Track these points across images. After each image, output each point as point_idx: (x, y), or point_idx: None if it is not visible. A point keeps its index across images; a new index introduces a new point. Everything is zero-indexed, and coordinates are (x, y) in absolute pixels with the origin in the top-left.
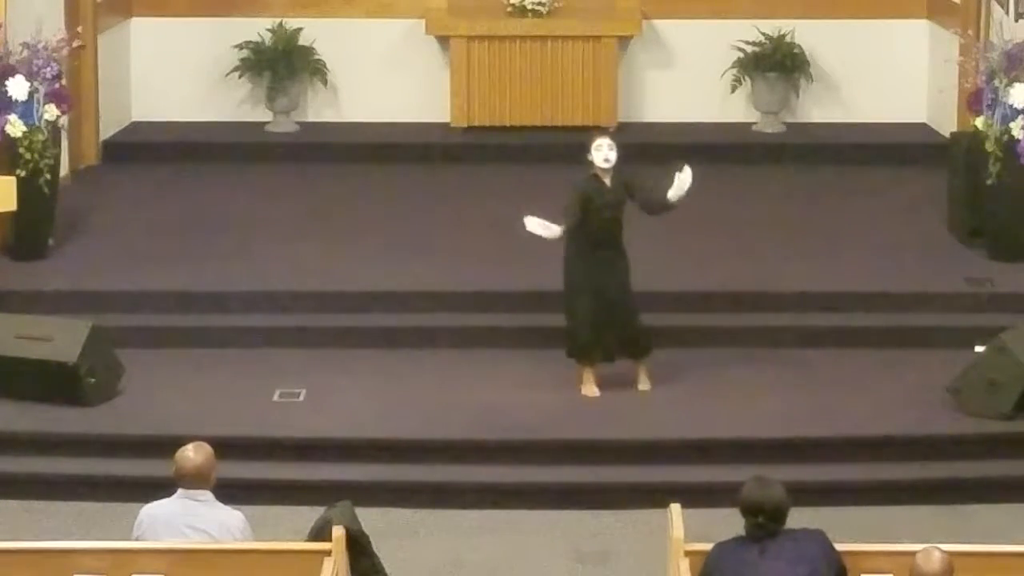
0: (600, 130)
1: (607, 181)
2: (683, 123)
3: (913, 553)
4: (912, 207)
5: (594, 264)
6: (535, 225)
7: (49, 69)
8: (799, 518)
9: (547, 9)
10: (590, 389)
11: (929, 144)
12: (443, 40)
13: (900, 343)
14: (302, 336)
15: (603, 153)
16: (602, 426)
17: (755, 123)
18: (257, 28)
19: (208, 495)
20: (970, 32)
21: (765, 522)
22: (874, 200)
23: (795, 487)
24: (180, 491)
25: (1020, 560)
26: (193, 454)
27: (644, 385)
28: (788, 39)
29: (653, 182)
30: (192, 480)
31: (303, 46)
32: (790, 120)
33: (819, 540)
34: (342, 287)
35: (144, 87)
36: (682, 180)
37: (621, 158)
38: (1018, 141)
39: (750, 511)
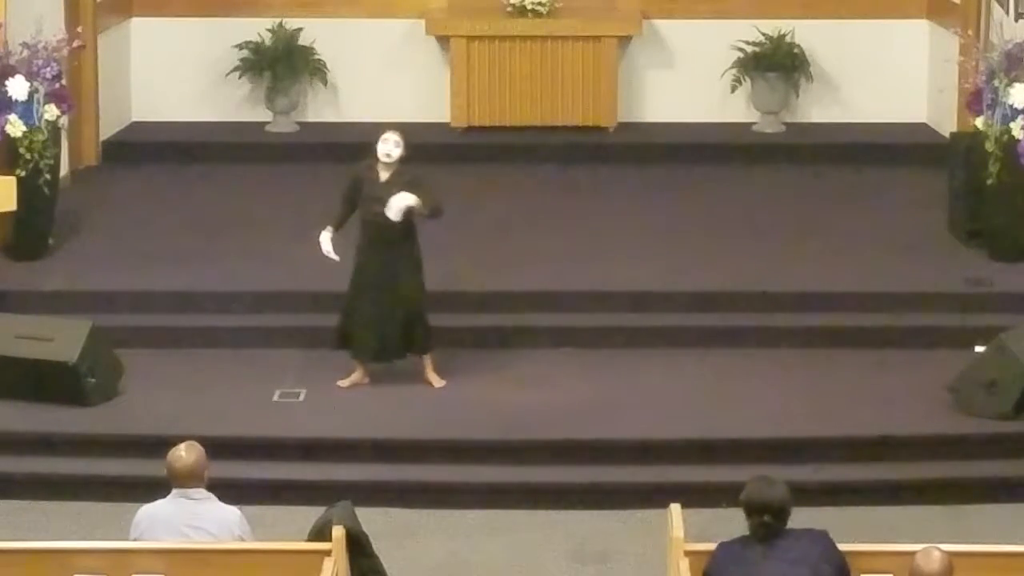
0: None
1: (383, 175)
2: (683, 123)
3: (913, 553)
4: (912, 207)
5: (370, 260)
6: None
7: (49, 69)
8: (799, 518)
9: (547, 9)
10: (354, 376)
11: (929, 144)
12: (443, 40)
13: (900, 343)
14: (302, 336)
15: (387, 147)
16: (602, 426)
17: (755, 123)
18: (257, 28)
19: (204, 493)
20: (970, 32)
21: (771, 521)
22: (874, 200)
23: (795, 487)
24: (175, 491)
25: (1020, 560)
26: (185, 453)
27: (436, 382)
28: (788, 39)
29: (431, 194)
30: (186, 479)
31: (303, 46)
32: (790, 120)
33: (822, 541)
34: (342, 287)
35: (144, 87)
36: (395, 200)
37: (617, 158)
38: (1018, 141)
39: (755, 510)
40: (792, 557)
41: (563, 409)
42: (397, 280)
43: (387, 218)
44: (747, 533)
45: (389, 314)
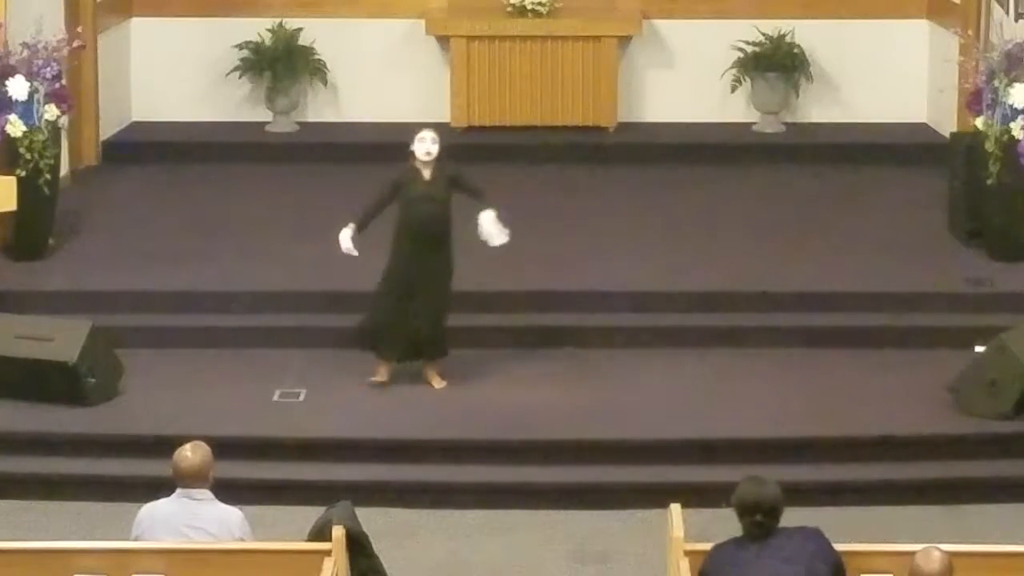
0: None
1: (426, 174)
2: (683, 123)
3: (913, 553)
4: (912, 207)
5: (408, 259)
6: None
7: (49, 69)
8: (799, 518)
9: (547, 9)
10: (380, 375)
11: (929, 144)
12: (443, 40)
13: (900, 343)
14: (302, 336)
15: (425, 145)
16: (602, 426)
17: (755, 123)
18: (257, 28)
19: (207, 493)
20: (970, 32)
21: (763, 520)
22: (874, 200)
23: (795, 487)
24: (179, 491)
25: (1020, 560)
26: (191, 453)
27: (437, 383)
28: (788, 39)
29: (476, 185)
30: (190, 479)
31: (303, 46)
32: (790, 120)
33: (815, 538)
34: (342, 287)
35: (144, 87)
36: (485, 226)
37: (617, 158)
38: (1018, 141)
39: (747, 510)
40: (785, 555)
41: (563, 409)
42: (435, 281)
43: (434, 219)
44: (740, 534)
45: (425, 315)
